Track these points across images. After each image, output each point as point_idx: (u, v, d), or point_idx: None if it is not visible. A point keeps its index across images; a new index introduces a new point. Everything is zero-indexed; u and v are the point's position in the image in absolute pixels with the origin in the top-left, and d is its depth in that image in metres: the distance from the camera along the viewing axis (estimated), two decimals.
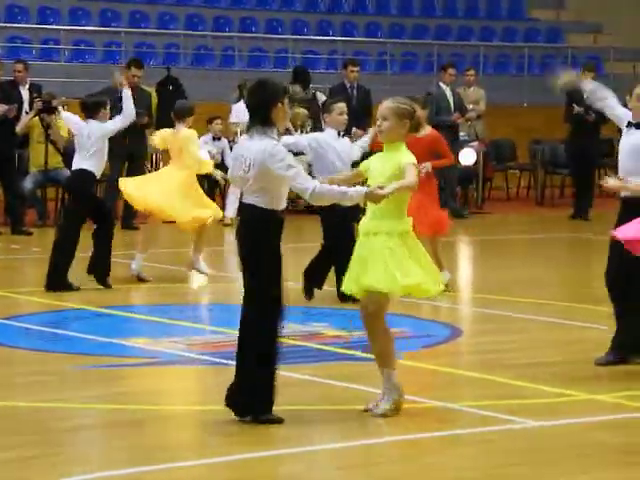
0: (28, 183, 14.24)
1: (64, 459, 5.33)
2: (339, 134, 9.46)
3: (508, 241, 14.49)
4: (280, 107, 5.83)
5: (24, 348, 7.64)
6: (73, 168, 10.00)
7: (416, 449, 5.59)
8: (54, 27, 19.44)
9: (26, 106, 14.45)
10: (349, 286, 6.08)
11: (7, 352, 7.55)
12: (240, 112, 14.35)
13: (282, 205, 5.87)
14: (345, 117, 9.39)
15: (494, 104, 18.33)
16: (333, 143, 9.26)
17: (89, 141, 9.84)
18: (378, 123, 6.09)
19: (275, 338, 5.79)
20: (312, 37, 21.35)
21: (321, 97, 17.48)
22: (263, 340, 5.76)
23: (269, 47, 20.89)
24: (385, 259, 5.91)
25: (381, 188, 5.81)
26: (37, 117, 14.15)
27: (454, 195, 16.39)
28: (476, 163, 17.06)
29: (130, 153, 14.14)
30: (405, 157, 6.04)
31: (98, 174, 10.01)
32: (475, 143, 17.09)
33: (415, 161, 6.05)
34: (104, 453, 5.50)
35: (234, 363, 5.84)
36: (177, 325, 8.35)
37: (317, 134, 9.92)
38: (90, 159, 9.85)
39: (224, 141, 15.50)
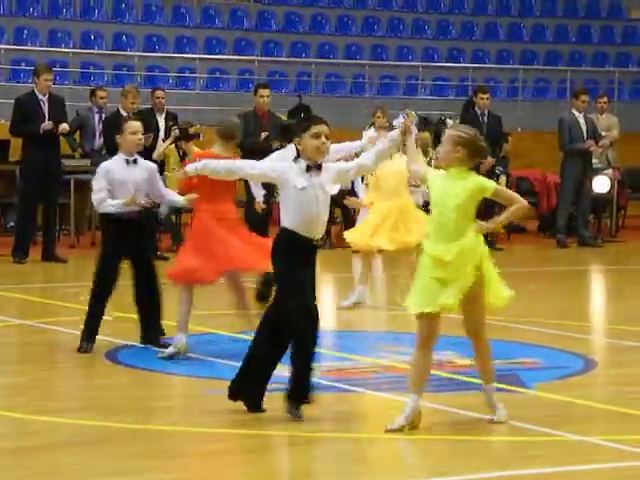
0: (164, 209, 14.53)
1: None
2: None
3: None
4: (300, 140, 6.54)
5: (158, 371, 7.78)
6: None
7: None
8: (190, 56, 19.88)
9: (162, 134, 14.78)
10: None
11: (142, 375, 7.70)
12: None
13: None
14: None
15: (630, 131, 17.98)
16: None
17: None
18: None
19: None
20: (442, 64, 21.34)
21: (450, 123, 17.45)
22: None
23: (399, 74, 20.94)
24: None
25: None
26: (173, 145, 14.44)
27: (586, 224, 16.12)
28: (610, 191, 16.76)
29: None
30: None
31: None
32: (609, 171, 16.80)
33: None
34: (239, 478, 5.55)
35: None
36: None
37: None
38: None
39: None
